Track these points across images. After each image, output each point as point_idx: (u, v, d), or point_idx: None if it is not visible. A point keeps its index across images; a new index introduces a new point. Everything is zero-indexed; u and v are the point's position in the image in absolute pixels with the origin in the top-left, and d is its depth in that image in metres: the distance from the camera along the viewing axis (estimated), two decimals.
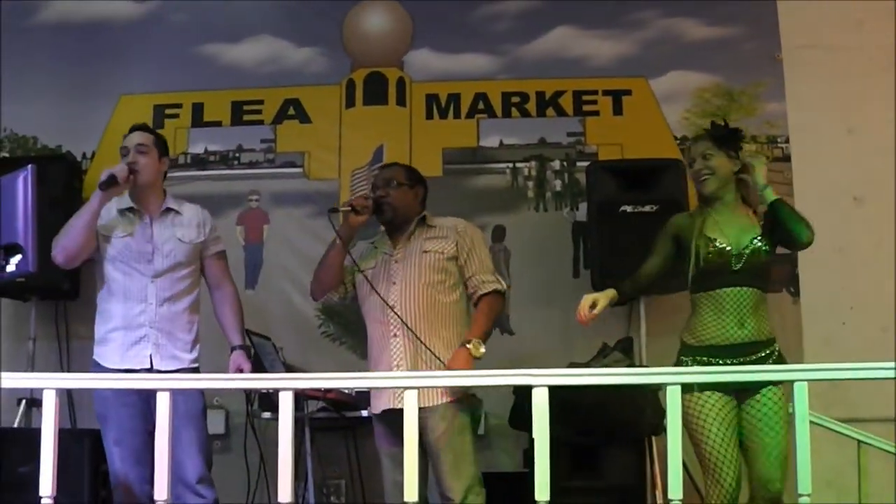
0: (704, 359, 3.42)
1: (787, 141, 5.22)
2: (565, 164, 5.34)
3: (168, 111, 5.43)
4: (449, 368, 3.58)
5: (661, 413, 3.97)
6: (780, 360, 3.47)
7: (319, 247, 5.10)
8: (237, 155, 5.44)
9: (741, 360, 3.39)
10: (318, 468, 4.67)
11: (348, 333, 5.13)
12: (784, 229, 3.44)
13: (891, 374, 2.56)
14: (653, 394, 4.20)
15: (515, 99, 5.39)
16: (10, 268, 4.75)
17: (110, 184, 3.74)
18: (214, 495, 3.82)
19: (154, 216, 3.91)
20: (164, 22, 5.57)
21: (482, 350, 3.63)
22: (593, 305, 3.43)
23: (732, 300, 3.43)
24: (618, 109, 5.34)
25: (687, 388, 3.23)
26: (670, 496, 2.53)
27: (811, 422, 2.58)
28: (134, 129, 3.98)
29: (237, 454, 4.68)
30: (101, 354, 3.84)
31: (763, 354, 3.42)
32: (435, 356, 3.65)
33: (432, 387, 3.58)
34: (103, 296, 3.89)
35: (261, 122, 5.45)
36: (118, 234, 3.86)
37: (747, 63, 5.32)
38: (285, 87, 5.46)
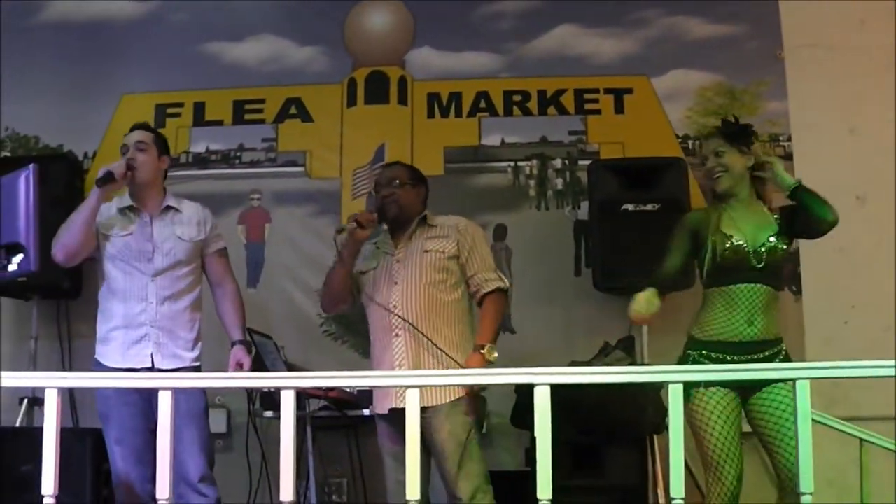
0: (711, 354, 3.42)
1: (789, 139, 5.22)
2: (567, 162, 5.33)
3: (170, 110, 5.43)
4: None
5: (663, 412, 3.97)
6: (787, 360, 3.46)
7: (321, 246, 5.15)
8: (239, 154, 5.44)
9: (747, 357, 3.39)
10: (320, 467, 4.66)
11: (350, 332, 5.13)
12: (808, 214, 3.43)
13: (891, 372, 2.55)
14: (654, 392, 4.20)
15: (517, 97, 5.39)
16: (12, 267, 4.78)
17: (107, 180, 3.74)
18: (216, 494, 3.82)
19: (154, 214, 3.90)
20: (165, 21, 5.57)
21: (495, 354, 3.65)
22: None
23: (745, 297, 3.42)
24: (619, 108, 5.34)
25: (691, 384, 3.23)
26: (672, 495, 2.53)
27: (813, 420, 2.58)
28: (135, 127, 3.99)
29: (239, 453, 4.68)
30: (103, 353, 3.84)
31: (769, 353, 3.42)
32: (441, 350, 3.65)
33: (436, 386, 3.58)
34: (104, 295, 3.89)
35: (262, 121, 5.45)
36: (118, 233, 3.86)
37: (749, 62, 5.32)
38: (287, 86, 5.46)
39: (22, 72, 5.39)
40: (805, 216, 3.45)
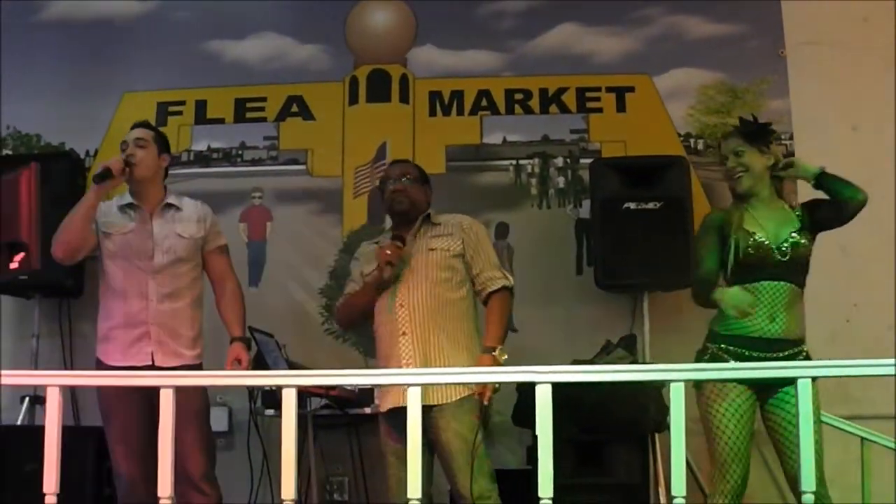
0: (730, 348, 3.41)
1: (791, 138, 5.21)
2: (568, 161, 5.33)
3: (171, 108, 5.43)
4: None
5: (665, 410, 3.97)
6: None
7: (323, 244, 5.15)
8: (240, 152, 5.44)
9: (767, 355, 3.36)
10: (322, 465, 4.66)
11: (352, 330, 5.13)
12: (838, 198, 3.45)
13: (892, 370, 2.55)
14: (656, 391, 4.19)
15: (519, 96, 5.39)
16: (14, 265, 4.79)
17: (105, 176, 3.74)
18: (218, 492, 3.82)
19: (154, 212, 3.90)
20: (166, 19, 5.57)
21: (506, 356, 3.66)
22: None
23: (768, 294, 3.42)
24: (621, 106, 5.34)
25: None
26: (673, 493, 2.52)
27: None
28: (135, 125, 3.99)
29: (240, 451, 4.66)
30: (104, 352, 3.84)
31: (789, 353, 3.40)
32: (444, 345, 3.65)
33: (440, 384, 3.58)
34: (104, 293, 3.89)
35: (264, 120, 5.45)
36: (118, 231, 3.86)
37: (751, 60, 5.32)
38: (288, 84, 5.46)
39: (23, 70, 5.39)
40: (834, 201, 3.46)
